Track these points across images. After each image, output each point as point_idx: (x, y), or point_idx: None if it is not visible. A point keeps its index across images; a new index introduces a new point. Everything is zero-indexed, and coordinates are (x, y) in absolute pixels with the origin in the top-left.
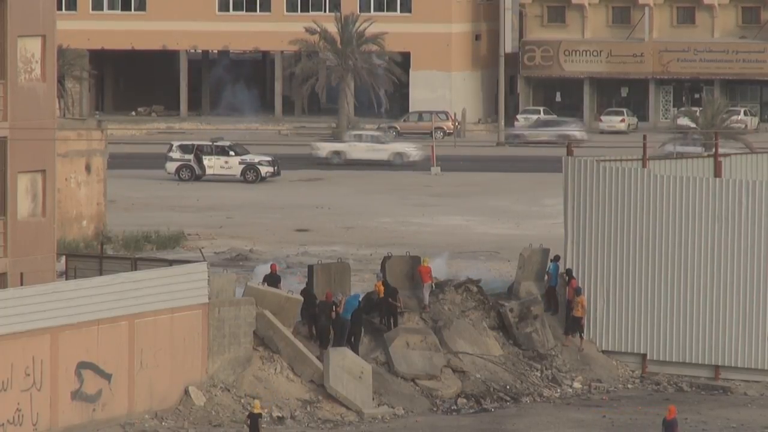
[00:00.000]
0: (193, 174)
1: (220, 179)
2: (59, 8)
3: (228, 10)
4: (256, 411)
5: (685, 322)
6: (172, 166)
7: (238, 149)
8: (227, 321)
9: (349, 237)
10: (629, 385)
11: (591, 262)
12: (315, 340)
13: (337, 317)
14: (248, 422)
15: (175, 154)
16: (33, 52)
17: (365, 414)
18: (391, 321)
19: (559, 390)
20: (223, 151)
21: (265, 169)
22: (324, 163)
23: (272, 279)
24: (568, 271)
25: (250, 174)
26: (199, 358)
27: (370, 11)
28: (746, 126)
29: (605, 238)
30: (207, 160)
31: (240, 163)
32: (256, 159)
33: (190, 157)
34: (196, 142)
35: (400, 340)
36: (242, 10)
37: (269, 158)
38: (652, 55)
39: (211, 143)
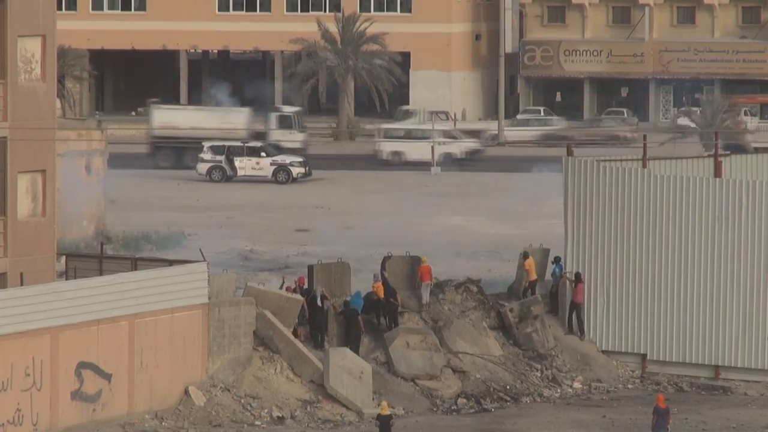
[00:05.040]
0: (224, 175)
1: (252, 180)
2: (59, 8)
3: (228, 10)
4: (384, 412)
5: (685, 322)
6: (203, 167)
7: (270, 150)
8: (227, 321)
9: (349, 237)
10: (629, 385)
11: (591, 262)
12: (312, 340)
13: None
14: (378, 423)
15: (207, 155)
16: (33, 52)
17: (365, 414)
18: (392, 321)
19: (559, 390)
20: (254, 152)
21: (296, 170)
22: None
23: (302, 293)
24: (577, 275)
25: (282, 175)
26: (199, 358)
27: (370, 11)
28: (746, 126)
29: (605, 238)
30: (238, 161)
31: (271, 164)
32: (288, 160)
33: (222, 158)
34: (227, 143)
35: (400, 340)
36: (242, 10)
37: (300, 159)
38: (652, 55)
39: (242, 144)
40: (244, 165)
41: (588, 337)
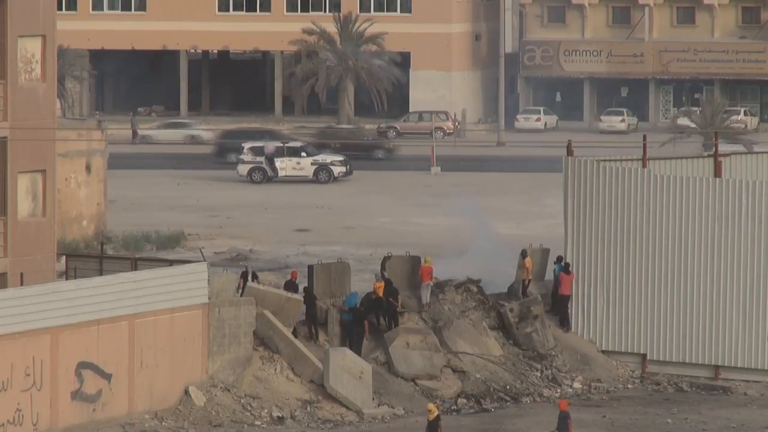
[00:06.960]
0: (265, 176)
1: (293, 180)
2: (59, 8)
3: (228, 10)
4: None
5: (685, 322)
6: (244, 169)
7: (310, 150)
8: (227, 321)
9: (349, 237)
10: (629, 385)
11: (591, 262)
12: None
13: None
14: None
15: (247, 157)
16: (33, 52)
17: (365, 414)
18: (391, 321)
19: (559, 390)
20: (295, 152)
21: (337, 170)
22: None
23: (291, 286)
24: (566, 265)
25: (323, 174)
26: (199, 358)
27: (370, 11)
28: (746, 126)
29: (605, 238)
30: (279, 162)
31: (312, 164)
32: (329, 159)
33: (262, 159)
34: (267, 144)
35: (400, 340)
36: (242, 10)
37: (341, 158)
38: (652, 55)
39: (282, 144)
40: (284, 165)
41: (588, 337)
